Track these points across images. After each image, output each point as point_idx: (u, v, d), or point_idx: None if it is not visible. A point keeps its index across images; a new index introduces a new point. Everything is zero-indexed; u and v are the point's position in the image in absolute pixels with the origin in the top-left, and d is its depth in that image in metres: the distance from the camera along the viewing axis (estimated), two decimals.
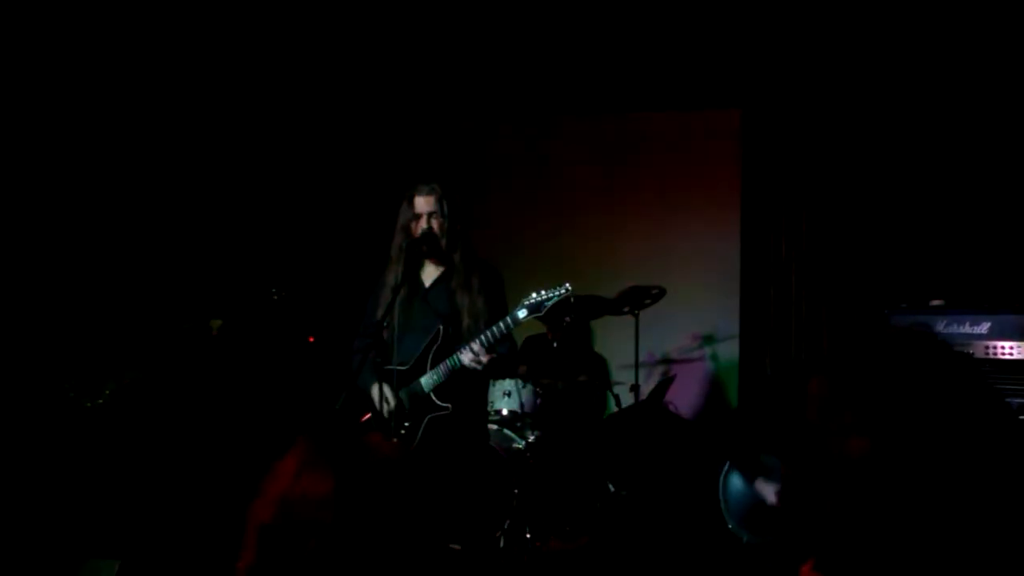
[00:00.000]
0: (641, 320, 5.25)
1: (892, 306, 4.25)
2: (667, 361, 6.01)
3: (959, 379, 1.01)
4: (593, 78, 5.89)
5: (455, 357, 3.43)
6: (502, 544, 4.38)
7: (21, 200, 4.24)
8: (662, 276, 5.38)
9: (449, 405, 3.48)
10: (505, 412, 4.86)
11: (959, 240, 5.11)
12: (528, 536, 4.40)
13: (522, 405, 4.84)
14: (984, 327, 3.95)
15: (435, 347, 3.51)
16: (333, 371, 4.03)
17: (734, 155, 5.96)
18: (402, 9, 5.29)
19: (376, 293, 3.68)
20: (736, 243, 5.94)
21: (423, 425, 3.47)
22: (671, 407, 5.55)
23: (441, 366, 3.46)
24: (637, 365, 5.29)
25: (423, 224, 3.55)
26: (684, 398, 5.80)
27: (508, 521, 4.43)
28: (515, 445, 4.71)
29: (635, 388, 5.24)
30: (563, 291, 3.38)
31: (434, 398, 3.49)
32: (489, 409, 4.80)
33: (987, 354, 3.90)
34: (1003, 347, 3.89)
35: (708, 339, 6.00)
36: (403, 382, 3.50)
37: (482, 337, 3.39)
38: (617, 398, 5.30)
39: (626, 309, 5.22)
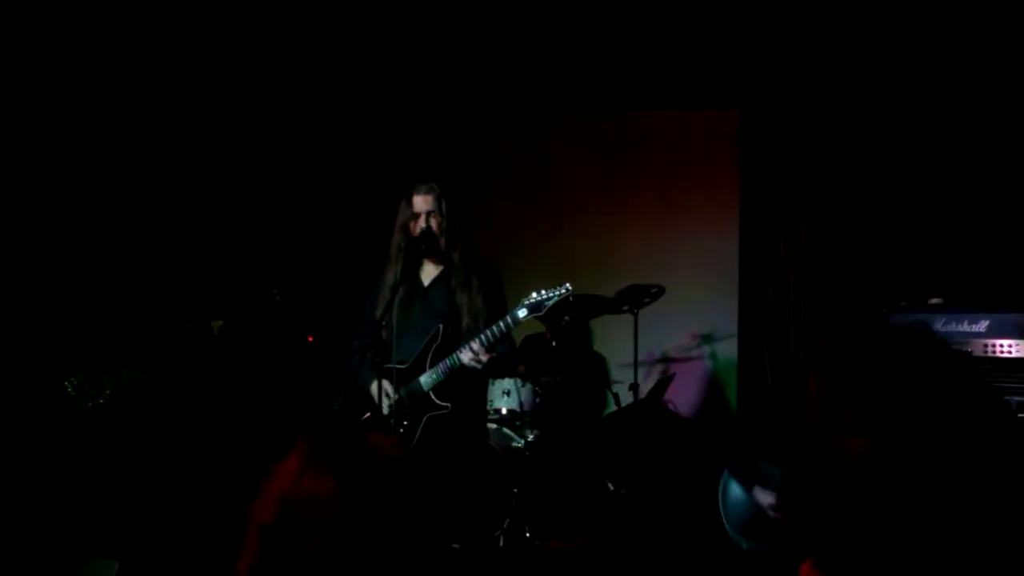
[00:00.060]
0: (640, 319, 5.25)
1: (891, 304, 4.25)
2: (666, 360, 6.01)
3: (958, 377, 1.02)
4: (593, 78, 5.89)
5: (455, 356, 3.43)
6: (501, 543, 4.39)
7: (25, 200, 4.24)
8: (661, 275, 5.38)
9: (448, 404, 3.48)
10: (504, 411, 4.86)
11: (957, 238, 5.11)
12: (527, 535, 4.41)
13: (521, 404, 4.84)
14: (983, 325, 3.95)
15: (434, 346, 3.51)
16: (332, 370, 4.03)
17: (733, 155, 5.96)
18: (402, 9, 5.29)
19: (375, 292, 3.68)
20: (735, 242, 5.94)
21: (422, 424, 3.48)
22: (670, 406, 5.55)
23: (440, 365, 3.47)
24: (636, 364, 5.30)
25: (422, 223, 3.55)
26: (683, 397, 5.80)
27: (507, 520, 4.43)
28: (514, 444, 4.71)
29: (634, 387, 5.24)
30: (563, 291, 3.38)
31: (433, 397, 3.49)
32: (488, 408, 4.81)
33: (986, 352, 3.90)
34: (1002, 345, 3.89)
35: (707, 338, 6.00)
36: (402, 381, 3.50)
37: (482, 336, 3.39)
38: (616, 397, 5.30)
39: (625, 308, 5.22)
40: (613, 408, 5.37)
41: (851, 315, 5.45)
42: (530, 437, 4.69)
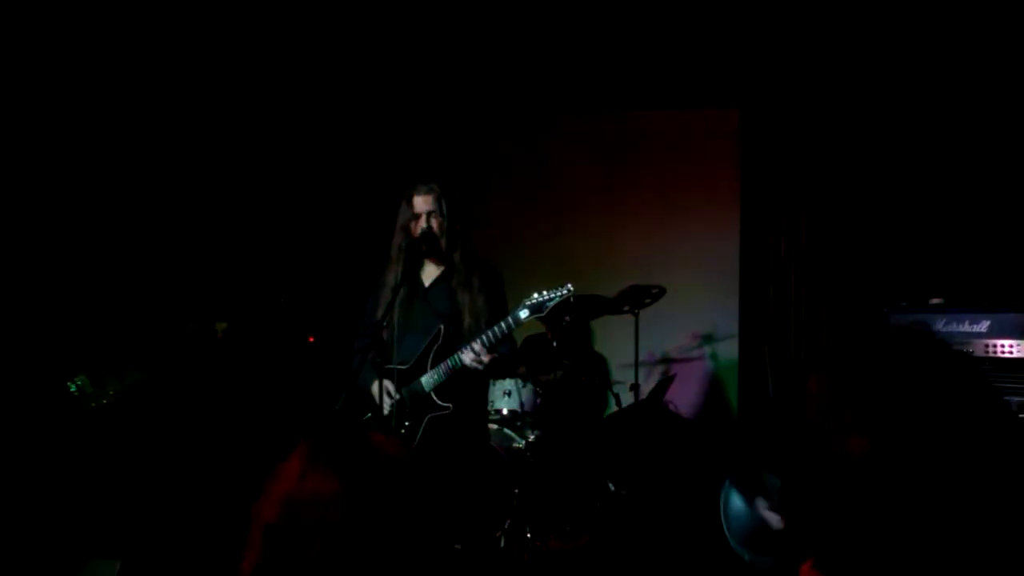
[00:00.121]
0: (641, 319, 5.25)
1: (892, 305, 4.25)
2: (667, 360, 6.01)
3: (958, 378, 1.02)
4: (593, 78, 5.89)
5: (456, 357, 3.43)
6: (502, 544, 4.39)
7: (32, 202, 4.24)
8: (662, 275, 5.39)
9: (450, 405, 3.49)
10: (505, 411, 4.86)
11: (958, 238, 5.11)
12: (528, 535, 4.41)
13: (522, 404, 4.84)
14: (984, 325, 3.95)
15: (436, 347, 3.51)
16: (333, 371, 4.04)
17: (733, 155, 5.96)
18: (402, 10, 5.29)
19: (376, 293, 3.68)
20: (736, 242, 5.95)
21: (423, 424, 3.48)
22: (671, 406, 5.56)
23: (442, 366, 3.47)
24: (637, 364, 5.30)
25: (422, 224, 3.55)
26: (684, 397, 5.80)
27: (508, 520, 4.43)
28: (515, 444, 4.71)
29: (635, 387, 5.24)
30: (565, 291, 3.38)
31: (435, 398, 3.49)
32: (489, 409, 4.81)
33: (987, 352, 3.90)
34: (1003, 345, 3.89)
35: (708, 338, 6.00)
36: (403, 381, 3.50)
37: (483, 337, 3.39)
38: (617, 397, 5.30)
39: (626, 308, 5.22)
40: (614, 409, 5.38)
41: (852, 315, 5.45)
42: (531, 438, 4.69)
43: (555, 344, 5.09)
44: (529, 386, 4.89)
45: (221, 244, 5.19)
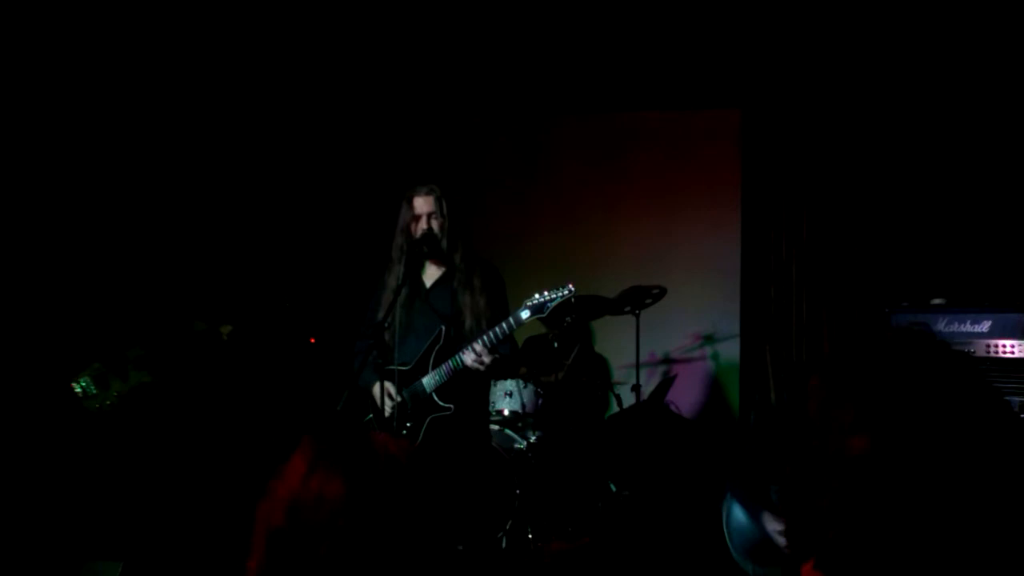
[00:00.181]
0: (642, 320, 5.25)
1: (893, 305, 4.25)
2: (668, 361, 6.01)
3: (959, 378, 1.02)
4: (594, 78, 5.90)
5: (457, 357, 3.43)
6: (504, 544, 4.39)
7: (41, 204, 4.25)
8: (663, 276, 5.39)
9: (451, 406, 3.49)
10: (507, 412, 4.86)
11: (960, 239, 5.11)
12: (530, 536, 4.41)
13: (523, 405, 4.84)
14: (985, 325, 3.95)
15: (437, 347, 3.51)
16: (335, 372, 4.04)
17: (734, 155, 5.96)
18: (401, 10, 5.30)
19: (377, 294, 3.68)
20: (737, 242, 5.94)
21: (425, 425, 3.48)
22: (672, 407, 5.56)
23: (443, 366, 3.47)
24: (638, 365, 5.30)
25: (423, 225, 3.54)
26: (685, 398, 5.80)
27: (510, 521, 4.43)
28: (517, 445, 4.71)
29: (636, 388, 5.24)
30: (566, 292, 3.38)
31: (436, 398, 3.49)
32: (491, 409, 4.81)
33: (988, 352, 3.90)
34: (1004, 345, 3.89)
35: (709, 339, 6.00)
36: (405, 382, 3.50)
37: (484, 338, 3.39)
38: (618, 398, 5.30)
39: (627, 309, 5.22)
40: (615, 409, 5.37)
41: (853, 316, 5.45)
42: (532, 438, 4.69)
43: (556, 345, 5.09)
44: (530, 387, 4.89)
45: (225, 247, 5.20)
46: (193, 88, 5.07)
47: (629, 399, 5.27)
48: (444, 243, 3.56)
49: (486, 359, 3.41)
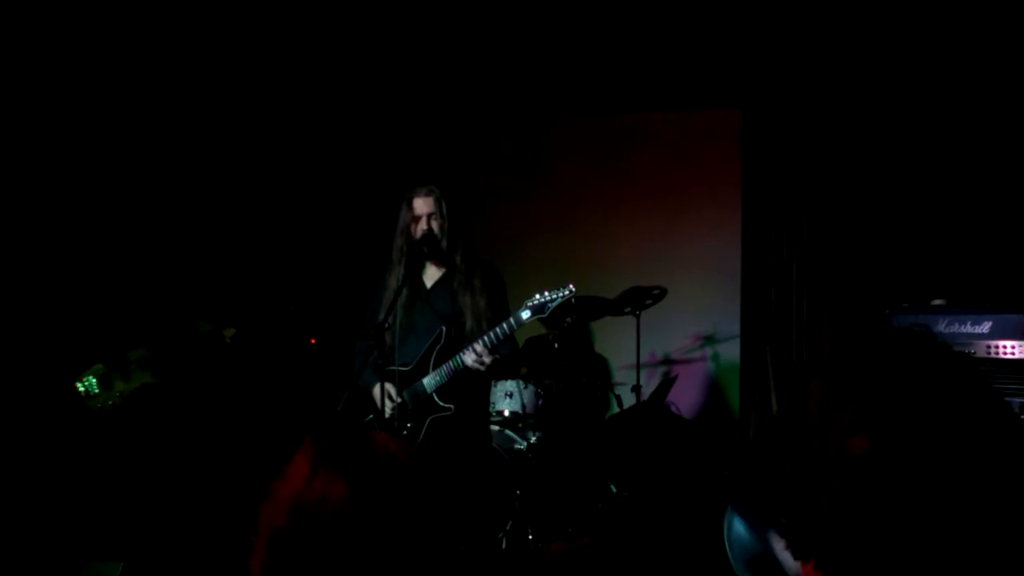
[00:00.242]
0: (642, 321, 5.25)
1: (893, 306, 4.25)
2: (668, 362, 6.01)
3: (959, 378, 1.02)
4: (595, 78, 5.90)
5: (458, 358, 3.43)
6: (504, 545, 4.39)
7: (46, 206, 4.26)
8: (663, 276, 5.39)
9: (451, 406, 3.49)
10: (507, 413, 4.86)
11: (960, 240, 5.11)
12: (530, 537, 4.41)
13: (524, 406, 4.84)
14: (985, 326, 3.95)
15: (437, 348, 3.51)
16: (335, 372, 4.04)
17: (735, 155, 5.96)
18: (401, 11, 5.30)
19: (377, 295, 3.68)
20: (737, 243, 5.95)
21: (425, 426, 3.48)
22: (673, 408, 5.55)
23: (444, 367, 3.47)
24: (639, 366, 5.30)
25: (423, 225, 3.54)
26: (686, 399, 5.80)
27: (510, 522, 4.43)
28: (517, 446, 4.71)
29: (637, 389, 5.24)
30: (567, 292, 3.38)
31: (436, 399, 3.49)
32: (491, 410, 4.81)
33: (988, 353, 3.90)
34: (1004, 346, 3.89)
35: (709, 339, 6.00)
36: (405, 383, 3.51)
37: (485, 338, 3.39)
38: (619, 399, 5.30)
39: (627, 310, 5.22)
40: (616, 410, 5.38)
41: (853, 317, 5.45)
42: (533, 439, 4.70)
43: (557, 345, 5.10)
44: (531, 387, 4.89)
45: (227, 247, 5.20)
46: (198, 92, 5.08)
47: (629, 400, 5.27)
48: (444, 244, 3.56)
49: (487, 359, 3.41)
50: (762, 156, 5.85)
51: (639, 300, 5.19)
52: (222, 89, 5.23)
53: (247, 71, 5.32)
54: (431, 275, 3.67)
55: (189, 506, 3.71)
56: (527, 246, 6.09)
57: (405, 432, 3.45)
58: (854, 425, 0.99)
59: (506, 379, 4.84)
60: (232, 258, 5.21)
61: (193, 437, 3.87)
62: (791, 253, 5.76)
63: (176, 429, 3.82)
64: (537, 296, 3.39)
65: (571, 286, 3.39)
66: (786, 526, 1.05)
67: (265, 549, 1.02)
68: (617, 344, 5.82)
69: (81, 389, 3.46)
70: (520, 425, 4.80)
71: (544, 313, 3.39)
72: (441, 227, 3.56)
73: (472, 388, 3.58)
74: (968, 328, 3.98)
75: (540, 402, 4.89)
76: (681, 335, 6.01)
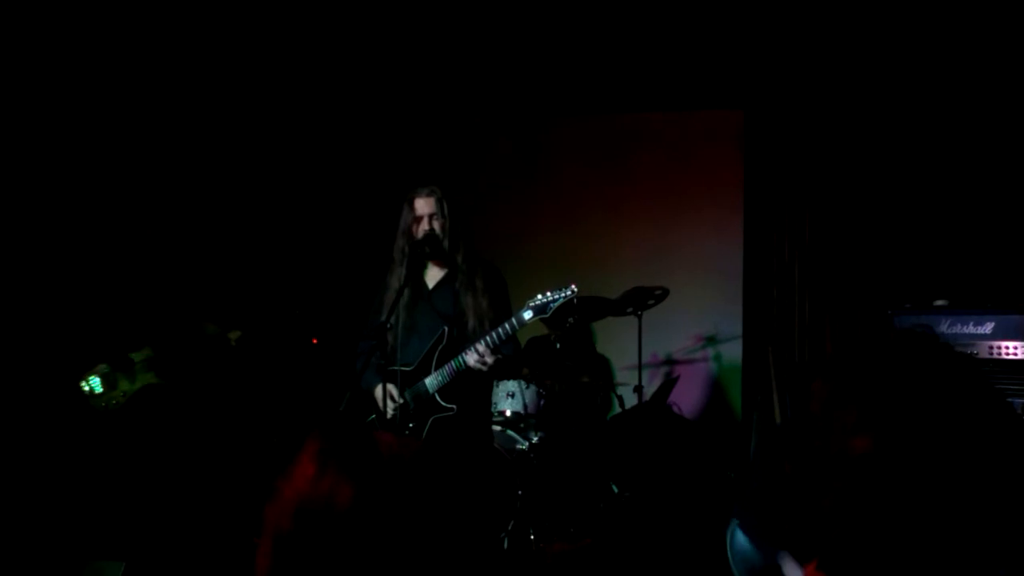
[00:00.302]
0: (644, 321, 5.25)
1: (896, 306, 4.25)
2: (670, 362, 6.01)
3: (961, 379, 1.02)
4: (596, 79, 5.90)
5: (460, 358, 3.43)
6: (506, 545, 4.39)
7: (51, 207, 4.27)
8: (665, 277, 5.39)
9: (453, 406, 3.49)
10: (509, 413, 4.86)
11: (962, 240, 5.11)
12: (532, 537, 4.41)
13: (526, 406, 4.85)
14: (988, 327, 3.95)
15: (440, 348, 3.51)
16: (337, 373, 4.04)
17: (737, 156, 5.96)
18: (402, 11, 5.30)
19: (379, 296, 3.68)
20: (739, 244, 5.94)
21: (427, 426, 3.48)
22: (675, 408, 5.55)
23: (446, 367, 3.47)
24: (640, 366, 5.30)
25: (424, 226, 3.55)
26: (687, 399, 5.80)
27: (512, 522, 4.43)
28: (519, 446, 4.71)
29: (639, 389, 5.24)
30: (569, 292, 3.38)
31: (438, 399, 3.50)
32: (493, 410, 4.81)
33: (991, 354, 3.90)
34: (1007, 347, 3.89)
35: (711, 340, 6.00)
36: (407, 383, 3.51)
37: (487, 338, 3.39)
38: (621, 399, 5.30)
39: (629, 310, 5.22)
40: (617, 410, 5.38)
41: (855, 317, 5.45)
42: (534, 439, 4.70)
43: (558, 346, 5.10)
44: (533, 388, 4.89)
45: (229, 247, 5.20)
46: (201, 94, 5.08)
47: (631, 400, 5.27)
48: (446, 244, 3.56)
49: (489, 360, 3.41)
50: (764, 157, 5.85)
51: (641, 300, 5.19)
52: (226, 92, 5.24)
53: (249, 74, 5.33)
54: (433, 275, 3.67)
55: (192, 506, 3.72)
56: (528, 246, 6.09)
57: (407, 432, 3.45)
58: (856, 425, 0.99)
59: (508, 379, 4.84)
60: (236, 257, 5.22)
61: (197, 437, 3.88)
62: (793, 254, 5.76)
63: (180, 429, 3.83)
64: (539, 296, 3.39)
65: (573, 286, 3.39)
66: (791, 534, 1.05)
67: (270, 549, 1.02)
68: (619, 344, 5.82)
69: (85, 389, 3.47)
70: (522, 425, 4.80)
71: (546, 313, 3.40)
72: (443, 227, 3.56)
73: (474, 388, 3.58)
74: (970, 329, 3.98)
75: (542, 402, 4.89)
76: (683, 335, 6.01)
